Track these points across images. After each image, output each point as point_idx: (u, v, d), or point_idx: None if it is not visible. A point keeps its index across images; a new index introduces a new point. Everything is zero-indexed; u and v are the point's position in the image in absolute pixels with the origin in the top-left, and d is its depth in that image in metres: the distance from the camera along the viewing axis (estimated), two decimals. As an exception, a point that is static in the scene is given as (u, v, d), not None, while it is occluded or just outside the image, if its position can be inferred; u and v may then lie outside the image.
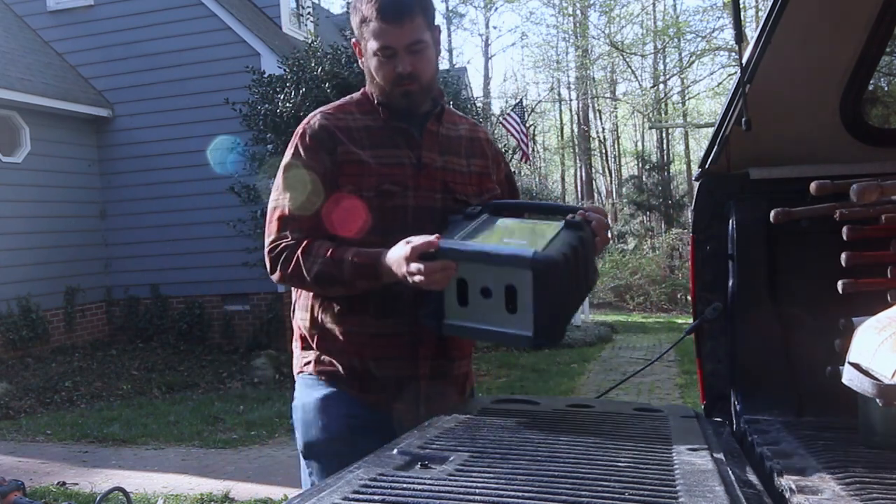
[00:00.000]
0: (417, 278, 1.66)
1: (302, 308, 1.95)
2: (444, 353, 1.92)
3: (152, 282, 10.23)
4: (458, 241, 1.69)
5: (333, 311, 1.88)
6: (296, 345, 2.00)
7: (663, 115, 25.05)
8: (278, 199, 1.90)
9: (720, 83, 22.27)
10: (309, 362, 1.93)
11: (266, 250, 1.89)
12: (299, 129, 1.93)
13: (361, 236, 1.82)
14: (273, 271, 1.88)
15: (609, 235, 1.87)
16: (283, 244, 1.84)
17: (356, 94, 2.01)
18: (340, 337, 1.88)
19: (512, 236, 1.72)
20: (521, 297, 1.62)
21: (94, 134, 10.43)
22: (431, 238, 1.67)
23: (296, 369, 1.99)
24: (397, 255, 1.71)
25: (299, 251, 1.82)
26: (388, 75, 1.84)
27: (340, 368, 1.88)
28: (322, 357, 1.91)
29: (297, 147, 1.90)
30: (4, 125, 9.27)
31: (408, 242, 1.70)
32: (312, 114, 1.97)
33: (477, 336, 1.74)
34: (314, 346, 1.92)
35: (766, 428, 1.70)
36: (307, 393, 1.92)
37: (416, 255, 1.66)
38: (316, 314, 1.91)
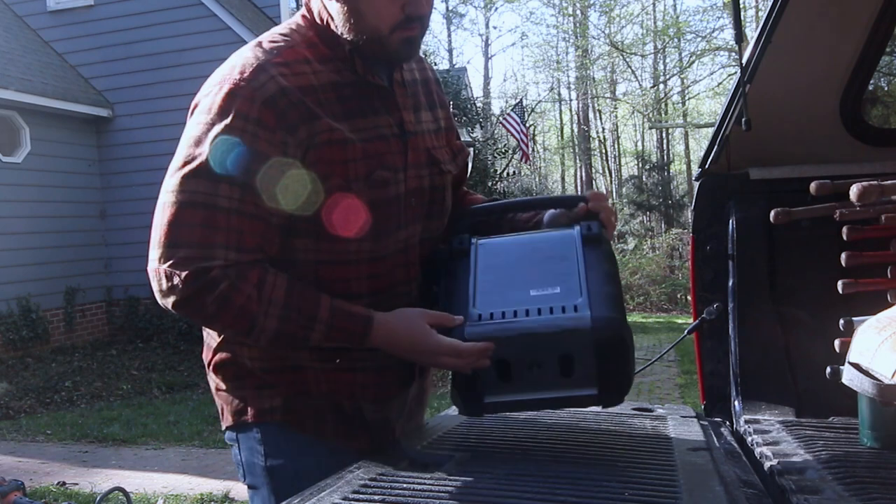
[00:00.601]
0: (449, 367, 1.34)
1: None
2: (423, 373, 1.59)
3: (152, 282, 10.22)
4: (487, 322, 1.34)
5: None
6: (228, 383, 1.50)
7: (663, 115, 25.04)
8: (196, 192, 1.27)
9: (720, 83, 22.28)
10: (273, 408, 1.44)
11: (181, 270, 1.26)
12: (236, 87, 1.30)
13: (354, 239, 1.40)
14: (190, 302, 1.28)
15: (615, 221, 1.58)
16: (218, 271, 1.26)
17: (298, 26, 1.43)
18: (320, 375, 1.44)
19: (535, 282, 1.37)
20: (581, 362, 1.32)
21: (94, 134, 10.43)
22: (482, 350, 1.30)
23: (242, 414, 1.47)
24: (420, 343, 1.33)
25: (250, 288, 1.28)
26: (393, 15, 1.35)
27: (324, 414, 1.45)
28: (294, 402, 1.44)
29: (236, 115, 1.28)
30: (4, 125, 9.27)
31: (431, 326, 1.33)
32: (252, 59, 1.33)
33: (527, 407, 1.43)
34: (276, 385, 1.45)
35: (766, 428, 1.70)
36: (289, 450, 1.44)
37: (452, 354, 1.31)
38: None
